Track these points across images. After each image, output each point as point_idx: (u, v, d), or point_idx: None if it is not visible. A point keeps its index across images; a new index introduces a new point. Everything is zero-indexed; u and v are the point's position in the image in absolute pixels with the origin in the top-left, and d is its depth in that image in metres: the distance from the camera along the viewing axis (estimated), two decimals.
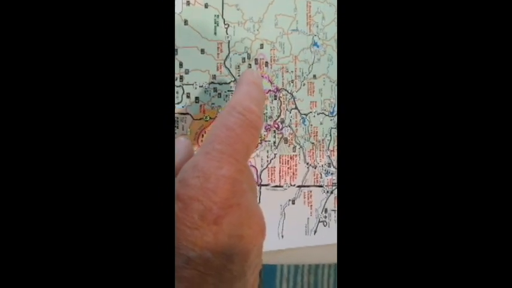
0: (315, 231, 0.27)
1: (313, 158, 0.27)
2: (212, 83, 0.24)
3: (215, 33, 0.24)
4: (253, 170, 0.25)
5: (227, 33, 0.24)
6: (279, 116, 0.26)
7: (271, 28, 0.25)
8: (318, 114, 0.27)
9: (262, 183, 0.25)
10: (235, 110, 0.18)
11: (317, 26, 0.27)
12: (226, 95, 0.24)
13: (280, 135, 0.26)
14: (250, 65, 0.25)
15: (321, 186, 0.27)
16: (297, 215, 0.26)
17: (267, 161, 0.25)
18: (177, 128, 0.23)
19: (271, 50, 0.25)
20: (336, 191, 0.28)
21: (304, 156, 0.27)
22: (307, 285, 0.70)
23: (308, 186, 0.27)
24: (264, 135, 0.25)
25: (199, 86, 0.24)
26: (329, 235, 0.27)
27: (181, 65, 0.23)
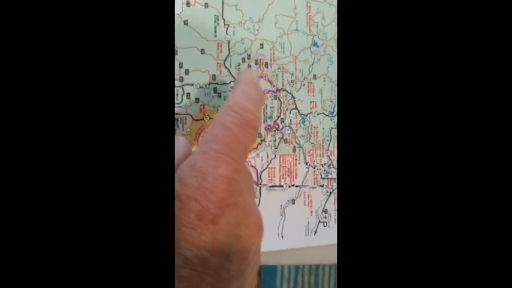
0: (315, 232, 0.27)
1: (313, 158, 0.27)
2: (212, 83, 0.24)
3: (215, 34, 0.24)
4: (253, 170, 0.25)
5: (227, 34, 0.24)
6: (279, 116, 0.26)
7: (271, 28, 0.25)
8: (318, 114, 0.27)
9: (262, 183, 0.25)
10: (232, 109, 0.18)
11: (317, 26, 0.27)
12: (227, 96, 0.24)
13: (280, 136, 0.26)
14: (250, 65, 0.25)
15: (321, 186, 0.27)
16: (297, 215, 0.26)
17: (267, 161, 0.25)
18: (177, 128, 0.23)
19: (271, 50, 0.25)
20: (336, 192, 0.27)
21: (304, 157, 0.27)
22: (308, 286, 0.70)
23: (308, 186, 0.27)
24: (264, 135, 0.25)
25: (200, 87, 0.24)
26: (329, 235, 0.27)
27: (181, 65, 0.23)
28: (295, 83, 0.26)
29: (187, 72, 0.23)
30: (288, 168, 0.26)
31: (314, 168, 0.27)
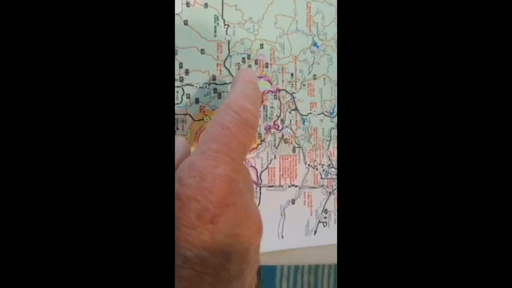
0: (315, 232, 0.27)
1: (313, 159, 0.27)
2: (212, 83, 0.24)
3: (215, 34, 0.24)
4: (253, 170, 0.25)
5: (227, 34, 0.24)
6: (278, 117, 0.26)
7: (271, 28, 0.25)
8: (317, 114, 0.27)
9: (262, 183, 0.25)
10: (231, 108, 0.18)
11: (317, 27, 0.27)
12: (227, 96, 0.24)
13: (280, 136, 0.26)
14: (250, 65, 0.25)
15: (321, 186, 0.27)
16: (297, 215, 0.26)
17: (267, 161, 0.25)
18: (177, 128, 0.23)
19: (271, 50, 0.25)
20: (335, 192, 0.28)
21: (304, 157, 0.27)
22: (307, 284, 0.70)
23: (308, 186, 0.27)
24: (264, 135, 0.25)
25: (200, 87, 0.24)
26: (329, 235, 0.27)
27: (181, 65, 0.23)
28: (295, 83, 0.26)
29: (187, 72, 0.23)
30: (288, 169, 0.26)
31: (314, 168, 0.27)
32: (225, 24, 0.24)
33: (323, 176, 0.27)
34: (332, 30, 0.27)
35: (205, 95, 0.24)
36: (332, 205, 0.28)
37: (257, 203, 0.25)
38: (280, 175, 0.26)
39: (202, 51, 0.23)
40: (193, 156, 0.17)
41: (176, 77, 0.23)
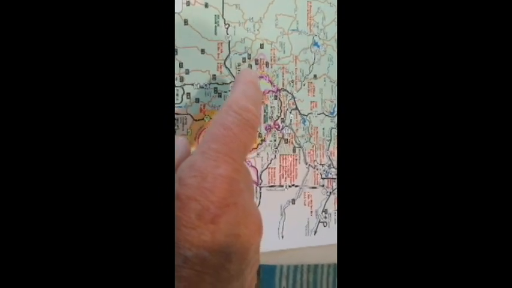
0: (315, 232, 0.27)
1: (313, 159, 0.27)
2: (212, 83, 0.24)
3: (215, 33, 0.24)
4: (253, 170, 0.25)
5: (227, 33, 0.24)
6: (279, 117, 0.26)
7: (272, 28, 0.25)
8: (318, 114, 0.27)
9: (262, 183, 0.25)
10: (232, 109, 0.18)
11: (317, 26, 0.27)
12: (227, 96, 0.24)
13: (280, 136, 0.26)
14: (250, 65, 0.25)
15: (321, 186, 0.27)
16: (297, 215, 0.26)
17: (267, 161, 0.25)
18: (177, 128, 0.23)
19: (271, 50, 0.25)
20: (336, 192, 0.27)
21: (305, 157, 0.27)
22: (307, 283, 0.70)
23: (308, 186, 0.27)
24: (265, 135, 0.25)
25: (200, 87, 0.24)
26: (329, 235, 0.27)
27: (181, 65, 0.23)
28: (296, 83, 0.26)
29: (187, 72, 0.23)
30: (288, 168, 0.26)
31: (314, 168, 0.27)
32: (225, 24, 0.24)
33: (323, 176, 0.27)
34: (332, 30, 0.27)
35: (205, 95, 0.24)
36: (332, 205, 0.28)
37: (257, 203, 0.25)
38: (280, 175, 0.26)
39: (203, 51, 0.23)
40: (194, 156, 0.17)
41: (176, 76, 0.23)
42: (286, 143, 0.26)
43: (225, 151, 0.17)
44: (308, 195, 0.27)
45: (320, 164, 0.27)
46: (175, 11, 0.23)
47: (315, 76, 0.27)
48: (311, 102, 0.27)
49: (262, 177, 0.25)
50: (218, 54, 0.24)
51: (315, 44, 0.27)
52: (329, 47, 0.27)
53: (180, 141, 0.20)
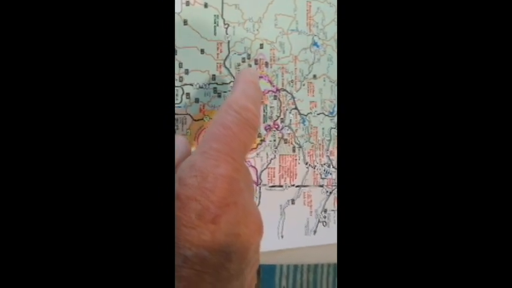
0: (315, 231, 0.27)
1: (312, 158, 0.27)
2: (212, 83, 0.24)
3: (215, 33, 0.24)
4: (253, 170, 0.25)
5: (227, 33, 0.24)
6: (278, 117, 0.26)
7: (271, 28, 0.25)
8: (317, 114, 0.27)
9: (262, 183, 0.25)
10: (232, 108, 0.18)
11: (317, 26, 0.27)
12: (226, 96, 0.24)
13: (280, 136, 0.26)
14: (250, 65, 0.25)
15: (320, 186, 0.27)
16: (297, 215, 0.26)
17: (267, 161, 0.25)
18: (177, 128, 0.23)
19: (271, 50, 0.25)
20: (335, 191, 0.28)
21: (304, 157, 0.27)
22: (307, 283, 0.70)
23: (308, 186, 0.27)
24: (264, 135, 0.25)
25: (199, 87, 0.24)
26: (329, 235, 0.27)
27: (180, 65, 0.23)
28: (295, 83, 0.26)
29: (187, 72, 0.23)
30: (288, 168, 0.26)
31: (314, 168, 0.27)
32: (224, 24, 0.24)
33: (323, 176, 0.27)
34: (332, 30, 0.27)
35: (205, 95, 0.24)
36: (332, 205, 0.28)
37: (257, 202, 0.25)
38: (280, 175, 0.26)
39: (202, 51, 0.23)
40: (194, 156, 0.17)
41: (176, 76, 0.23)
42: (285, 143, 0.26)
43: (225, 151, 0.17)
44: (308, 195, 0.27)
45: (320, 164, 0.27)
46: (175, 11, 0.23)
47: (314, 76, 0.27)
48: (310, 102, 0.27)
49: (261, 177, 0.25)
50: (217, 54, 0.24)
51: (315, 44, 0.27)
52: (328, 47, 0.27)
53: (180, 141, 0.20)
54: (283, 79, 0.26)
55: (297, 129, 0.26)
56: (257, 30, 0.25)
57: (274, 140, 0.26)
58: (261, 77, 0.25)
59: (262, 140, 0.25)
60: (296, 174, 0.26)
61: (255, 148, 0.25)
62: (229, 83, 0.24)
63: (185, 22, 0.23)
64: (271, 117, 0.26)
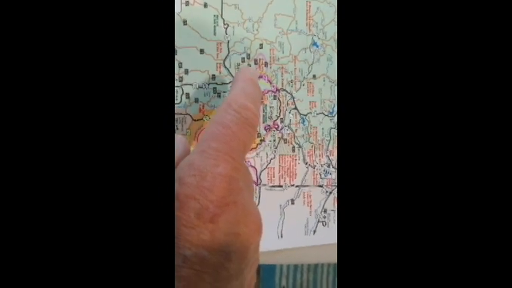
0: (314, 231, 0.27)
1: (312, 158, 0.27)
2: (212, 83, 0.24)
3: (214, 33, 0.24)
4: (252, 170, 0.25)
5: (226, 33, 0.24)
6: (278, 116, 0.26)
7: (271, 28, 0.25)
8: (317, 114, 0.27)
9: (261, 183, 0.25)
10: (231, 107, 0.17)
11: (316, 26, 0.27)
12: (226, 95, 0.24)
13: (279, 136, 0.26)
14: (249, 64, 0.25)
15: (320, 186, 0.27)
16: (297, 215, 0.26)
17: (267, 161, 0.25)
18: (177, 128, 0.23)
19: (270, 50, 0.25)
20: (335, 191, 0.28)
21: (304, 157, 0.27)
22: (307, 283, 0.71)
23: (307, 186, 0.27)
24: (264, 135, 0.25)
25: (199, 87, 0.24)
26: (328, 235, 0.27)
27: (180, 65, 0.23)
28: (295, 83, 0.26)
29: (186, 72, 0.23)
30: (288, 168, 0.26)
31: (313, 168, 0.27)
32: (224, 24, 0.24)
33: (322, 176, 0.27)
34: (332, 30, 0.27)
35: (204, 95, 0.24)
36: (331, 205, 0.28)
37: (257, 202, 0.25)
38: (279, 175, 0.26)
39: (202, 51, 0.23)
40: (193, 155, 0.17)
41: (176, 76, 0.23)
42: (285, 143, 0.26)
43: (225, 150, 0.17)
44: (307, 195, 0.27)
45: (319, 164, 0.27)
46: (175, 11, 0.23)
47: (314, 76, 0.27)
48: (310, 102, 0.27)
49: (261, 177, 0.25)
50: (217, 54, 0.24)
51: (314, 43, 0.27)
52: (328, 46, 0.27)
53: (179, 140, 0.20)
54: (282, 79, 0.26)
55: (296, 129, 0.26)
56: (257, 30, 0.25)
57: (274, 140, 0.26)
58: (260, 76, 0.25)
59: (262, 140, 0.25)
60: (296, 174, 0.26)
61: (255, 148, 0.25)
62: (229, 83, 0.24)
63: (185, 22, 0.23)
64: (270, 117, 0.26)
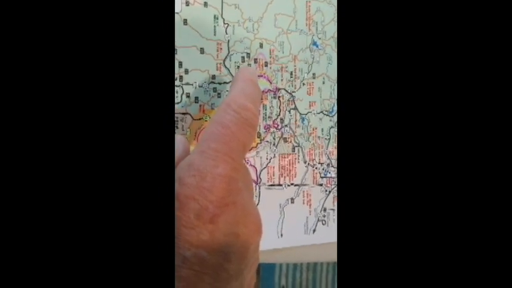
0: (314, 230, 0.27)
1: (312, 158, 0.27)
2: (212, 82, 0.24)
3: (214, 33, 0.24)
4: (252, 169, 0.25)
5: (226, 33, 0.24)
6: (278, 116, 0.26)
7: (271, 27, 0.25)
8: (317, 113, 0.27)
9: (261, 182, 0.25)
10: (231, 107, 0.17)
11: (316, 26, 0.27)
12: (226, 95, 0.24)
13: (279, 135, 0.26)
14: (250, 64, 0.25)
15: (320, 185, 0.27)
16: (296, 214, 0.26)
17: (267, 160, 0.26)
18: (177, 128, 0.23)
19: (270, 49, 0.25)
20: (334, 190, 0.28)
21: (304, 156, 0.27)
22: (306, 282, 0.71)
23: (307, 185, 0.27)
24: (264, 134, 0.25)
25: (199, 86, 0.24)
26: (328, 234, 0.27)
27: (180, 64, 0.23)
28: (295, 83, 0.26)
29: (186, 71, 0.23)
30: (287, 167, 0.26)
31: (313, 167, 0.27)
32: (224, 24, 0.24)
33: (322, 175, 0.27)
34: (331, 29, 0.27)
35: (204, 94, 0.24)
36: (331, 204, 0.28)
37: (256, 201, 0.25)
38: (279, 174, 0.26)
39: (202, 51, 0.23)
40: (192, 155, 0.17)
41: (176, 76, 0.23)
42: (285, 142, 0.26)
43: (224, 150, 0.17)
44: (307, 194, 0.27)
45: (319, 163, 0.27)
46: (175, 10, 0.23)
47: (314, 75, 0.27)
48: (310, 101, 0.27)
49: (261, 176, 0.25)
50: (217, 53, 0.24)
51: (314, 43, 0.27)
52: (328, 46, 0.27)
53: (179, 140, 0.20)
54: (282, 79, 0.26)
55: (296, 129, 0.26)
56: (257, 29, 0.25)
57: (274, 139, 0.26)
58: (260, 76, 0.25)
59: (262, 139, 0.25)
60: (295, 173, 0.26)
61: (255, 147, 0.25)
62: (229, 82, 0.24)
63: (185, 22, 0.23)
64: (270, 117, 0.26)
